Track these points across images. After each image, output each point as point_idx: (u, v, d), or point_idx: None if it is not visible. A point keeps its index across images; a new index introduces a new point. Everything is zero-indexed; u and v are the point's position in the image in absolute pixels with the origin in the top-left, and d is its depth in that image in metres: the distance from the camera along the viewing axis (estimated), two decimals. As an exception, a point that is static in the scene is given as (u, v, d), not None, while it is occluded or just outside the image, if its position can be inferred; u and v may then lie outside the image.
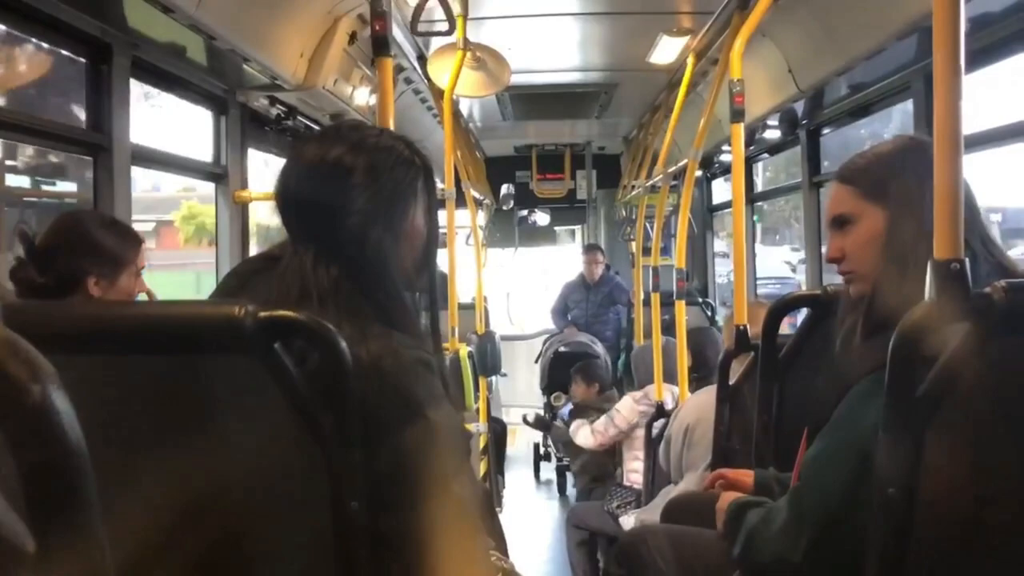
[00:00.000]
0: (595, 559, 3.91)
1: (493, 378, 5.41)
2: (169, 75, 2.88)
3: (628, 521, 3.47)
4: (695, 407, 2.98)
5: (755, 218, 5.90)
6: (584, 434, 4.15)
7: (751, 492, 1.65)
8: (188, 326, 1.04)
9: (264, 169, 3.80)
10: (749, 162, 5.23)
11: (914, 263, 1.13)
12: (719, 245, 7.08)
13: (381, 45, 1.93)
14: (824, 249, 1.53)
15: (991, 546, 1.08)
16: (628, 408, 3.98)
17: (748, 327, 2.53)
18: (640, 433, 3.91)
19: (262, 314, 1.02)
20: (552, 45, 4.37)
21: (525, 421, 5.48)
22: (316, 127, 3.94)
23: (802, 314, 1.95)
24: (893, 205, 1.29)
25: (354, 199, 1.21)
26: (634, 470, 3.91)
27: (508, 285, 8.17)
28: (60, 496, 0.60)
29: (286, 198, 1.26)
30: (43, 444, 0.59)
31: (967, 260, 1.07)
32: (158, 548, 0.98)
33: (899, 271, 1.24)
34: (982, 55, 2.64)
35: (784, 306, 1.92)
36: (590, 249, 6.96)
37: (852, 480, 1.22)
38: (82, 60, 2.44)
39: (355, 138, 1.26)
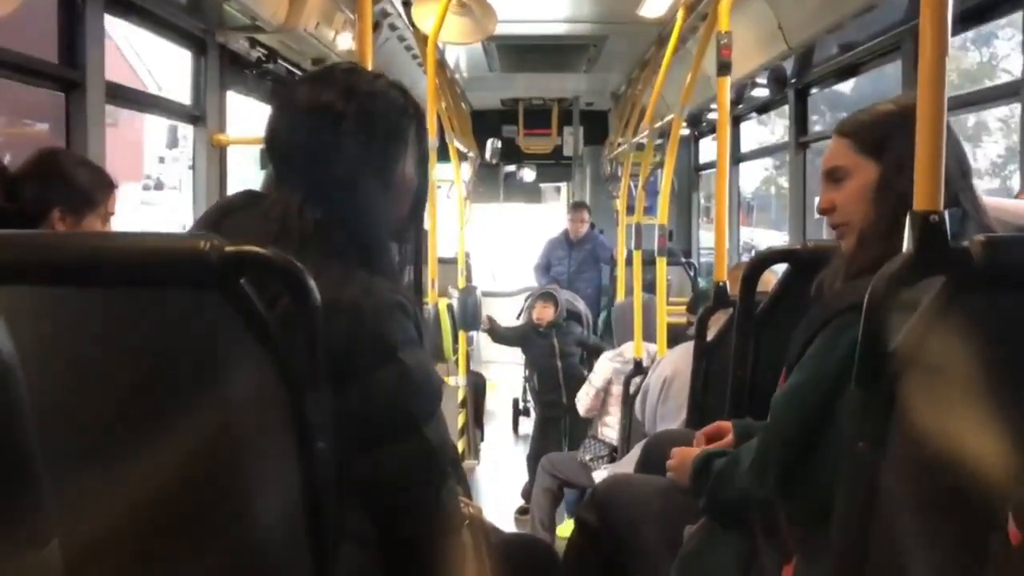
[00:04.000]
0: (554, 511, 3.96)
1: (473, 333, 5.41)
2: (145, 12, 2.80)
3: (601, 475, 3.50)
4: (673, 361, 2.99)
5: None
6: (580, 403, 4.20)
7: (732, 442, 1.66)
8: (151, 258, 1.01)
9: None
10: (736, 121, 5.19)
11: (900, 220, 1.12)
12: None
13: (360, -20, 1.88)
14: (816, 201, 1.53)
15: (961, 503, 1.08)
16: (603, 366, 4.06)
17: (728, 284, 2.52)
18: (614, 389, 3.95)
19: (228, 249, 0.99)
20: (540, -7, 4.30)
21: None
22: (298, 72, 3.86)
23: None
24: (887, 161, 1.29)
25: (345, 145, 1.19)
26: (607, 424, 3.97)
27: (492, 241, 8.14)
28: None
29: (275, 140, 1.23)
30: None
31: (947, 213, 1.05)
32: (119, 490, 0.96)
33: (886, 226, 1.25)
34: (971, 16, 2.62)
35: (762, 261, 1.91)
36: (577, 207, 6.93)
37: (817, 411, 1.24)
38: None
39: (349, 82, 1.22)
